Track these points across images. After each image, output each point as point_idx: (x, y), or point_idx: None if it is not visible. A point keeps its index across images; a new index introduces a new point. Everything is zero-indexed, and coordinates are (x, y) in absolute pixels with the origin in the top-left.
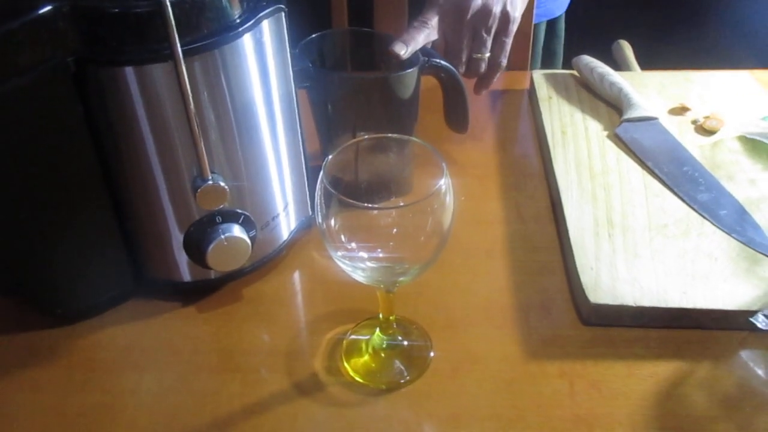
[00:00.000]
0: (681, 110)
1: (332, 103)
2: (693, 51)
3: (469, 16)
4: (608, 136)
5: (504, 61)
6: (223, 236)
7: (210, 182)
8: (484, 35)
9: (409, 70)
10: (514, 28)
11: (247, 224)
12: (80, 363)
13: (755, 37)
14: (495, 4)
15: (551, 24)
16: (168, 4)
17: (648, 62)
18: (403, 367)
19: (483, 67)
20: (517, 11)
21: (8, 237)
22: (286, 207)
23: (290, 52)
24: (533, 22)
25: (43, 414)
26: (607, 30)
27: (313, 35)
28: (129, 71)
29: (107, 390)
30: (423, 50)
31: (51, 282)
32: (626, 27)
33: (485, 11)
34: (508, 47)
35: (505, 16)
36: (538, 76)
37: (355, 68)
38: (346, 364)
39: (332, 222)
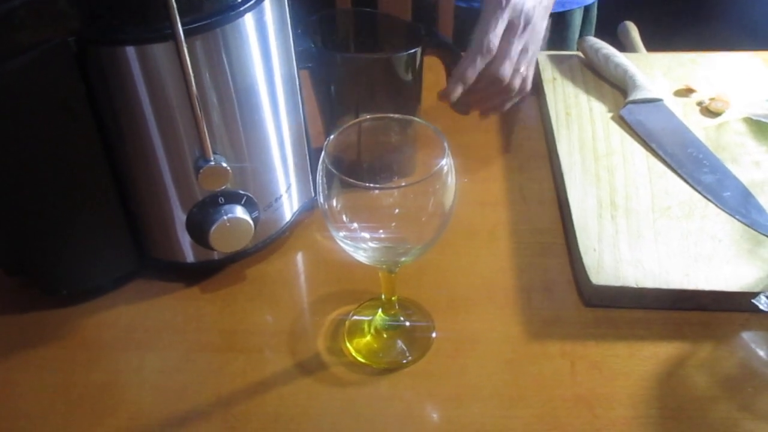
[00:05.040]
0: (686, 92)
1: (335, 84)
2: (699, 33)
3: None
4: (613, 118)
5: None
6: (225, 217)
7: (212, 163)
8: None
9: (412, 51)
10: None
11: (249, 205)
12: (84, 342)
13: (762, 19)
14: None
15: (586, 12)
16: None
17: (654, 44)
18: (405, 348)
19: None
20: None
21: (12, 218)
22: (288, 188)
23: (292, 32)
24: (567, 9)
25: (48, 393)
26: (614, 11)
27: (316, 15)
28: (130, 51)
29: (111, 369)
30: (426, 29)
31: (55, 262)
32: (633, 9)
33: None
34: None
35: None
36: (543, 57)
37: (358, 49)
38: (348, 345)
39: (334, 202)
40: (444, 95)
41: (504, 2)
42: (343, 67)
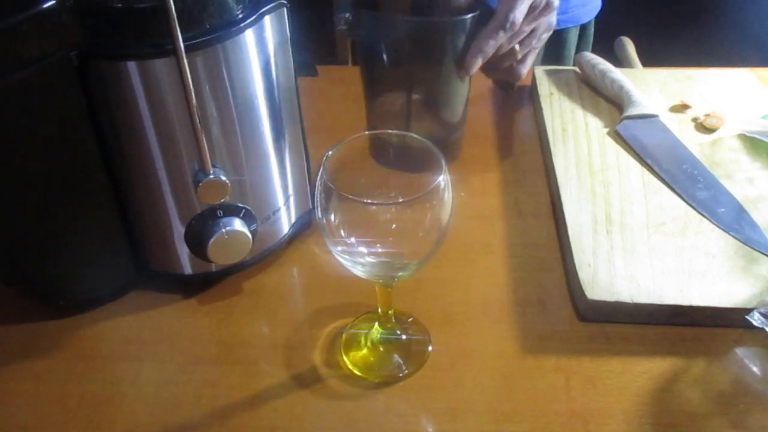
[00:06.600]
0: (682, 108)
1: (387, 51)
2: (695, 48)
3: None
4: (608, 133)
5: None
6: (224, 230)
7: (211, 176)
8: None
9: (470, 15)
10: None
11: (248, 218)
12: (81, 353)
13: (758, 35)
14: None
15: (582, 29)
16: None
17: (650, 59)
18: (401, 361)
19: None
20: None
21: (12, 228)
22: (287, 201)
23: (292, 47)
24: (562, 27)
25: (45, 403)
26: (610, 26)
27: None
28: (131, 66)
29: (108, 380)
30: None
31: (53, 273)
32: (629, 23)
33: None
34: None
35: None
36: (540, 72)
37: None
38: (344, 358)
39: (332, 217)
40: (464, 67)
41: None
42: (400, 31)
